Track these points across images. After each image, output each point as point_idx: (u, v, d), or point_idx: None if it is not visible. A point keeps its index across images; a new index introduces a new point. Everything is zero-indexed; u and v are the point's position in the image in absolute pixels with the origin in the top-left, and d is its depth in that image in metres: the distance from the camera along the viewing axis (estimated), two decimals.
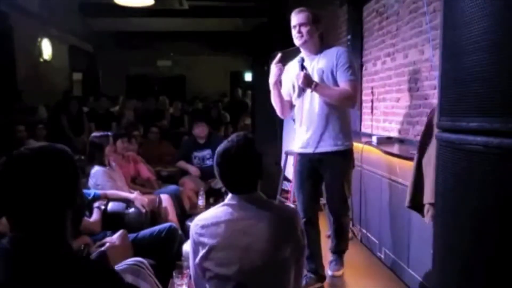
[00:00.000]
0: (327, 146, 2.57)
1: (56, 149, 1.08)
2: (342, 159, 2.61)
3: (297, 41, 2.56)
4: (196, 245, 1.53)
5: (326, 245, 2.86)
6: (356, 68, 2.50)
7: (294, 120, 2.80)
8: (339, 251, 2.87)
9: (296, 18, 2.54)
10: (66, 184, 1.07)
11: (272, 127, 5.11)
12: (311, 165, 2.66)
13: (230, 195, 1.58)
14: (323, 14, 5.09)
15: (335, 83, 2.54)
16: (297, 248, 1.54)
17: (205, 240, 1.49)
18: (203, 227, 1.52)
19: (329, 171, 2.63)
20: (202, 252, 1.49)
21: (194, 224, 1.55)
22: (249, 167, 1.55)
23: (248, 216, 1.51)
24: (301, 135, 2.66)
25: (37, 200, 1.02)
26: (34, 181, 1.01)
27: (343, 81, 2.50)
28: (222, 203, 1.58)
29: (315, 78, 2.54)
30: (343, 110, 2.61)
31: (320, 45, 2.61)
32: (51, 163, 1.05)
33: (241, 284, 1.44)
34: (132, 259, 1.83)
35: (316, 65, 2.58)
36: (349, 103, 2.58)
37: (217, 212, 1.55)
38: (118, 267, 1.79)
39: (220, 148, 1.56)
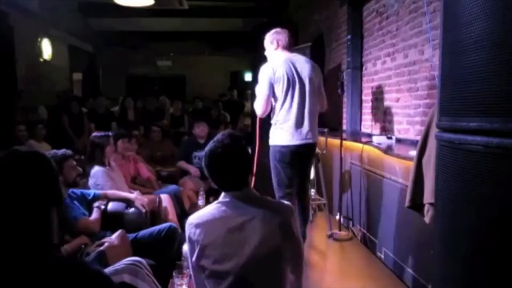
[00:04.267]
0: None
1: (26, 153, 1.09)
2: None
3: None
4: (192, 244, 1.54)
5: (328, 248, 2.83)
6: (258, 82, 2.89)
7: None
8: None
9: None
10: (46, 184, 1.08)
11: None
12: None
13: (223, 193, 1.59)
14: (323, 17, 5.07)
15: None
16: (293, 245, 1.53)
17: (199, 238, 1.50)
18: (197, 226, 1.52)
19: None
20: (196, 250, 1.50)
21: (189, 223, 1.56)
22: (237, 164, 1.56)
23: (241, 212, 1.52)
24: None
25: (19, 202, 1.02)
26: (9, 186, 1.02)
27: None
28: (215, 202, 1.60)
29: None
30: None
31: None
32: (27, 166, 1.05)
33: (238, 279, 1.44)
34: (130, 259, 1.83)
35: None
36: None
37: (211, 210, 1.56)
38: (116, 266, 1.79)
39: (206, 149, 1.57)
